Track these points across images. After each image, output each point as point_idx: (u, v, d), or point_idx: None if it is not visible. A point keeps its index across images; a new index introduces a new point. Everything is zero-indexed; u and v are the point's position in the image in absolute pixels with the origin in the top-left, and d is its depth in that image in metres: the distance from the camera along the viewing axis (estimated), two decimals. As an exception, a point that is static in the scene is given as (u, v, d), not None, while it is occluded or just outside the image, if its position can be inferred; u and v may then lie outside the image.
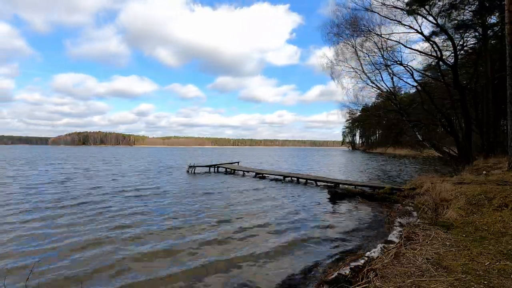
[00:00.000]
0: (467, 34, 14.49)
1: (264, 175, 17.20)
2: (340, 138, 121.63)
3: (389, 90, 16.89)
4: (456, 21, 14.31)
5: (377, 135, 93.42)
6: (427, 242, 4.05)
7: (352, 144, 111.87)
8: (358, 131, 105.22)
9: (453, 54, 13.87)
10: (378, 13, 14.20)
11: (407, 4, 13.81)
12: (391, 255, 3.71)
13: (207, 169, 21.29)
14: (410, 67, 15.31)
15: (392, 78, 16.52)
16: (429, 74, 18.88)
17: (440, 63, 14.87)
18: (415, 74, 16.34)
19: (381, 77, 16.61)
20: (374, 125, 70.34)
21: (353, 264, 3.95)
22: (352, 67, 16.83)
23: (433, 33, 15.07)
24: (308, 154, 68.04)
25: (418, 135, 16.78)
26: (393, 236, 5.37)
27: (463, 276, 2.89)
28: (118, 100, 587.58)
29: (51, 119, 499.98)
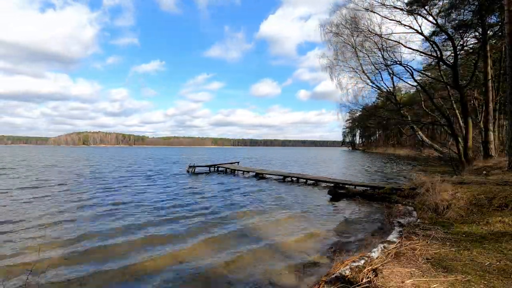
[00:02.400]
0: (467, 34, 14.47)
1: (264, 175, 17.20)
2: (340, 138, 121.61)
3: (389, 90, 16.88)
4: (456, 21, 14.30)
5: (377, 135, 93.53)
6: (427, 242, 4.05)
7: (352, 144, 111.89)
8: (358, 131, 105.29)
9: (453, 54, 13.85)
10: (378, 13, 14.19)
11: (407, 4, 13.81)
12: (391, 255, 3.71)
13: (207, 169, 21.30)
14: (410, 67, 15.31)
15: (392, 78, 16.50)
16: (429, 74, 18.89)
17: (440, 63, 14.86)
18: (415, 74, 16.33)
19: (381, 77, 16.62)
20: (374, 125, 70.40)
21: (353, 264, 3.95)
22: (352, 67, 16.82)
23: (433, 33, 15.07)
24: (308, 155, 68.01)
25: (418, 135, 16.77)
26: (393, 236, 5.37)
27: (463, 276, 2.89)
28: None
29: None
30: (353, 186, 11.78)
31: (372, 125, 75.50)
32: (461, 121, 14.94)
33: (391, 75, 16.32)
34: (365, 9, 14.25)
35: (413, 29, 13.84)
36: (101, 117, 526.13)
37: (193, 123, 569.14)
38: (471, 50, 15.32)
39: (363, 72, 16.39)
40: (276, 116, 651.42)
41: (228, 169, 20.53)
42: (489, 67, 14.06)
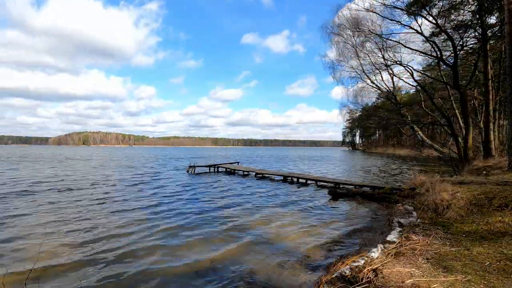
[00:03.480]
0: (467, 34, 14.46)
1: (264, 175, 17.20)
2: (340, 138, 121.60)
3: (389, 90, 16.89)
4: (455, 22, 14.30)
5: (377, 135, 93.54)
6: (427, 242, 4.06)
7: (352, 144, 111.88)
8: (358, 131, 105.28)
9: (453, 54, 13.86)
10: (378, 14, 14.20)
11: (407, 5, 13.81)
12: (391, 255, 3.72)
13: (207, 169, 21.31)
14: (410, 67, 15.32)
15: (392, 78, 16.51)
16: (429, 74, 18.89)
17: (440, 63, 14.87)
18: (415, 74, 16.35)
19: (381, 77, 16.62)
20: (374, 125, 70.43)
21: (353, 264, 3.95)
22: (353, 67, 16.84)
23: (433, 34, 15.06)
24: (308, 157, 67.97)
25: (418, 135, 16.78)
26: (393, 236, 5.37)
27: (463, 276, 2.90)
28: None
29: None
30: (353, 186, 11.79)
31: (372, 125, 75.52)
32: (461, 121, 14.94)
33: (391, 75, 16.34)
34: (366, 9, 14.26)
35: (413, 29, 13.86)
36: (119, 116, 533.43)
37: (207, 122, 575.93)
38: (471, 50, 15.31)
39: (364, 72, 16.41)
40: (296, 116, 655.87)
41: (228, 169, 20.53)
42: (489, 67, 14.06)
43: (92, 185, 13.16)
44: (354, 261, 4.11)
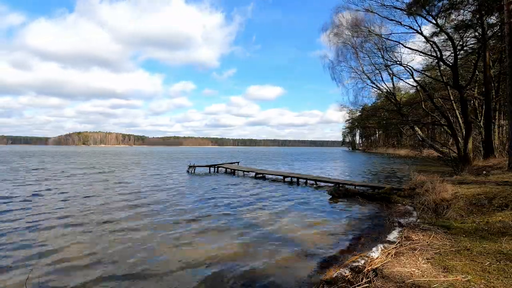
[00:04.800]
0: (467, 34, 14.47)
1: (264, 175, 17.20)
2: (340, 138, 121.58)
3: (389, 90, 16.90)
4: (455, 21, 14.31)
5: (377, 135, 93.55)
6: (427, 242, 4.06)
7: (352, 144, 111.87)
8: (358, 131, 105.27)
9: (452, 54, 13.86)
10: (378, 14, 14.21)
11: (407, 5, 13.82)
12: (391, 255, 3.72)
13: (207, 169, 21.31)
14: (410, 67, 15.33)
15: (392, 78, 16.54)
16: (429, 74, 18.89)
17: (440, 63, 14.88)
18: (415, 74, 16.35)
19: (381, 77, 16.64)
20: (374, 125, 70.43)
21: (353, 264, 3.95)
22: (352, 67, 16.87)
23: (433, 33, 15.07)
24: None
25: (418, 135, 16.79)
26: (393, 236, 5.37)
27: (463, 276, 2.90)
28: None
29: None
30: (353, 186, 11.79)
31: (372, 125, 75.54)
32: (461, 121, 14.95)
33: (391, 75, 16.36)
34: (366, 10, 14.26)
35: (413, 29, 13.87)
36: (140, 116, 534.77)
37: (225, 121, 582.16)
38: (471, 50, 15.32)
39: (363, 72, 16.43)
40: (314, 116, 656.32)
41: (228, 169, 20.54)
42: (489, 67, 14.07)
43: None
44: (354, 261, 4.11)
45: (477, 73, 15.24)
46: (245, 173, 18.78)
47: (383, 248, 4.33)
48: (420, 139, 17.04)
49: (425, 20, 13.79)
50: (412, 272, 3.08)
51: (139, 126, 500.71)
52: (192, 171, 19.78)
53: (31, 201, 9.34)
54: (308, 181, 14.65)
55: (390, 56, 15.25)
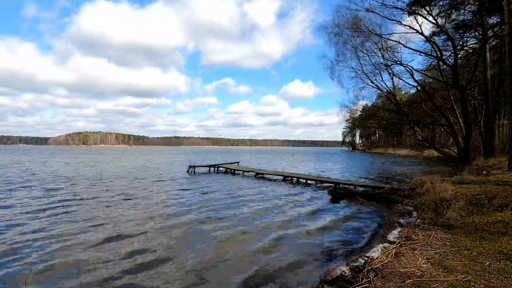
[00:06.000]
0: (467, 34, 14.47)
1: (264, 175, 17.20)
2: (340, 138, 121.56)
3: (389, 90, 16.89)
4: (456, 21, 14.31)
5: (377, 135, 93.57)
6: (427, 242, 4.05)
7: (352, 144, 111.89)
8: (358, 131, 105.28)
9: (453, 54, 13.86)
10: (378, 14, 14.20)
11: (407, 5, 13.82)
12: (391, 255, 3.72)
13: (207, 169, 21.32)
14: (410, 67, 15.32)
15: (392, 78, 16.53)
16: (429, 74, 18.89)
17: (440, 63, 14.87)
18: (415, 74, 16.34)
19: (381, 77, 16.61)
20: (374, 125, 70.42)
21: (353, 264, 3.95)
22: (352, 67, 16.85)
23: (433, 33, 15.09)
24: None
25: (418, 135, 16.79)
26: (393, 236, 5.37)
27: (463, 276, 2.89)
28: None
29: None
30: (353, 186, 11.79)
31: (372, 125, 75.54)
32: (461, 121, 14.94)
33: (391, 75, 16.35)
34: (366, 9, 14.26)
35: (413, 29, 13.86)
36: (162, 115, 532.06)
37: (245, 121, 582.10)
38: (471, 50, 15.31)
39: (364, 72, 16.41)
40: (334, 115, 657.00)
41: (228, 169, 20.54)
42: (489, 67, 14.06)
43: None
44: (354, 261, 4.11)
45: (477, 73, 15.24)
46: (245, 173, 18.78)
47: (383, 248, 4.33)
48: (420, 139, 17.04)
49: (425, 20, 13.79)
50: (412, 272, 3.07)
51: (155, 126, 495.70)
52: (192, 171, 19.79)
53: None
54: (308, 181, 14.65)
55: (390, 56, 15.25)
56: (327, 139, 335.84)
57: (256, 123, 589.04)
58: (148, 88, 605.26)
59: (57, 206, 8.48)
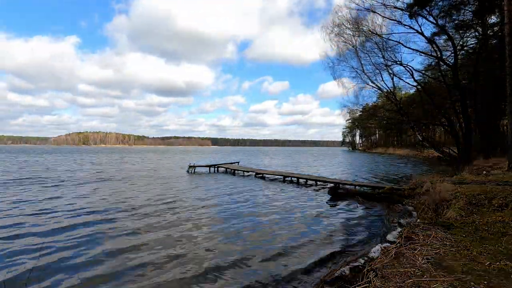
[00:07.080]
0: (467, 34, 14.52)
1: (264, 175, 17.20)
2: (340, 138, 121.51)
3: (389, 90, 16.91)
4: (456, 22, 14.33)
5: (377, 135, 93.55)
6: (427, 242, 4.05)
7: (352, 144, 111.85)
8: (358, 131, 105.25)
9: (453, 54, 13.89)
10: (379, 14, 14.23)
11: (408, 5, 13.84)
12: (391, 255, 3.72)
13: (207, 169, 21.31)
14: (410, 67, 15.37)
15: (392, 78, 16.56)
16: (429, 74, 18.91)
17: (440, 63, 14.90)
18: (415, 74, 16.37)
19: (381, 77, 16.67)
20: (374, 125, 70.41)
21: (353, 264, 3.96)
22: (353, 67, 16.89)
23: (434, 34, 15.10)
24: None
25: (418, 135, 16.80)
26: (393, 236, 5.38)
27: (463, 276, 2.89)
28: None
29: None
30: (353, 186, 11.78)
31: (372, 125, 75.53)
32: (461, 121, 14.96)
33: (392, 75, 16.38)
34: (367, 9, 14.29)
35: (414, 29, 13.90)
36: (182, 115, 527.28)
37: (262, 120, 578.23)
38: (471, 50, 15.33)
39: (364, 72, 16.44)
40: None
41: (228, 169, 20.54)
42: (488, 67, 14.07)
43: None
44: (354, 261, 4.12)
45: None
46: (245, 173, 18.78)
47: (383, 248, 4.33)
48: (420, 139, 17.05)
49: (425, 20, 13.81)
50: (412, 272, 3.08)
51: (167, 125, 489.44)
52: (192, 171, 19.79)
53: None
54: (308, 181, 14.64)
55: (390, 56, 15.30)
56: (327, 139, 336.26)
57: (272, 122, 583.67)
58: (185, 84, 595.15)
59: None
